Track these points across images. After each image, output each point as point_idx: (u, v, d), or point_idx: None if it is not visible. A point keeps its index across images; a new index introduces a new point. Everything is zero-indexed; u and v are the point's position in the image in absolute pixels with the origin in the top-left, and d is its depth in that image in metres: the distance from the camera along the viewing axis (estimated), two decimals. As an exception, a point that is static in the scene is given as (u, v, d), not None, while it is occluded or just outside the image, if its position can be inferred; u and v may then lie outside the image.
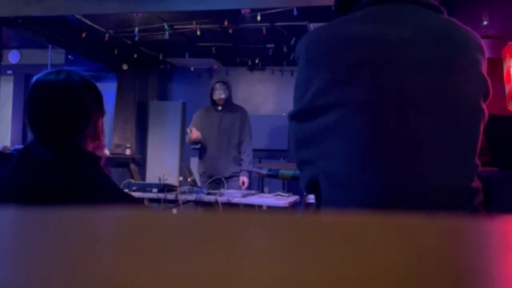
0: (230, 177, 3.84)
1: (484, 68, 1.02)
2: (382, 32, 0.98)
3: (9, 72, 6.70)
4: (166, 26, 4.76)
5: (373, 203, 0.93)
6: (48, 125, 1.14)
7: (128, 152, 6.37)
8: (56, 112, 1.14)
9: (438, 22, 1.02)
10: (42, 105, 1.14)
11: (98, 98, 1.21)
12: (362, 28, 1.00)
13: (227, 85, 3.84)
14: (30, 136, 1.16)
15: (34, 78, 1.16)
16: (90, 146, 1.18)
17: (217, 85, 3.85)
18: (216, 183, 3.74)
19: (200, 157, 3.98)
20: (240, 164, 3.90)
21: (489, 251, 0.26)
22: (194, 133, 3.80)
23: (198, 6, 3.90)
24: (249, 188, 3.88)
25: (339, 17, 1.07)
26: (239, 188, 3.83)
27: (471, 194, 0.97)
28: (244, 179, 3.87)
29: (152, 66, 6.70)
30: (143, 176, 6.30)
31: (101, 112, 1.22)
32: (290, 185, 5.08)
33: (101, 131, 1.22)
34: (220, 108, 3.88)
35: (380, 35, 0.98)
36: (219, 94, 3.84)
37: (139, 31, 4.96)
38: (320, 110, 0.99)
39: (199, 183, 3.93)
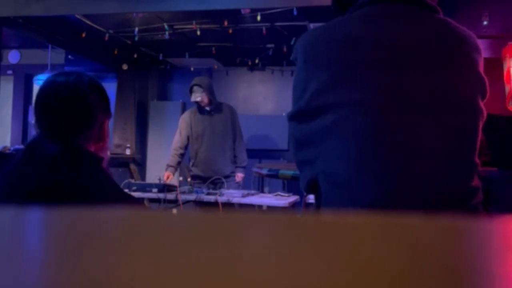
0: (228, 176, 3.87)
1: (481, 67, 1.02)
2: (379, 32, 0.99)
3: (9, 72, 6.70)
4: (166, 26, 4.76)
5: (372, 203, 0.93)
6: (54, 121, 1.17)
7: (128, 152, 6.37)
8: (62, 110, 1.17)
9: (434, 22, 1.02)
10: (50, 103, 1.18)
11: (105, 101, 1.25)
12: (359, 29, 1.00)
13: (201, 87, 3.81)
14: (31, 134, 1.20)
15: (45, 78, 1.21)
16: (93, 147, 1.20)
17: (194, 88, 3.84)
18: (214, 183, 3.76)
19: (192, 161, 3.97)
20: (235, 162, 3.95)
21: (489, 251, 0.26)
22: (167, 177, 3.85)
23: (198, 6, 3.90)
24: (248, 187, 3.91)
25: (337, 17, 1.07)
26: (237, 185, 3.90)
27: (471, 193, 0.97)
28: (239, 174, 3.94)
29: (152, 66, 6.70)
30: (143, 176, 6.29)
31: (107, 114, 1.25)
32: (290, 185, 5.08)
33: (106, 133, 1.25)
34: (208, 109, 3.88)
35: (377, 35, 0.98)
36: (195, 97, 3.82)
37: (139, 31, 4.96)
38: (318, 111, 0.99)
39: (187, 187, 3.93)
